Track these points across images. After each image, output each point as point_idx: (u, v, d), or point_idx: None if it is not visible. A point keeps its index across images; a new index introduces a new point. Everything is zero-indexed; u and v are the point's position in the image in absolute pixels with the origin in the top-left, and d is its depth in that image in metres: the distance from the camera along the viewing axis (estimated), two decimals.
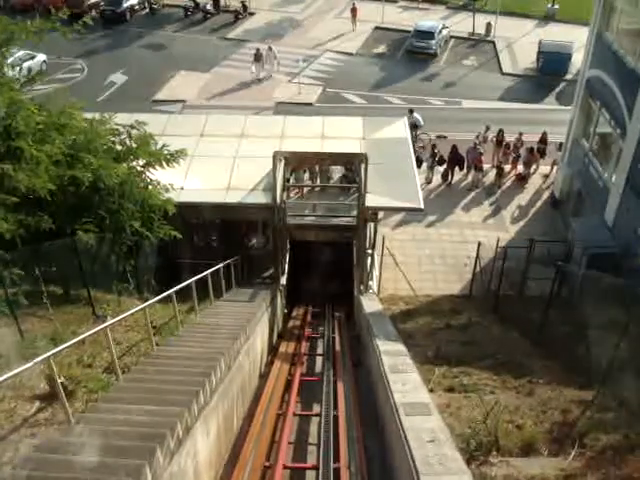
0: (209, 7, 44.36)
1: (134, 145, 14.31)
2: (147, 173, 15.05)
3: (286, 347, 16.54)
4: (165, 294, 11.88)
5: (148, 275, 16.61)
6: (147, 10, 45.04)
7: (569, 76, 35.94)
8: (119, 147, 14.16)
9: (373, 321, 13.65)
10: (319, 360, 15.86)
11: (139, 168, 14.73)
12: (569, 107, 28.47)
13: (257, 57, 35.47)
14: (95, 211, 13.37)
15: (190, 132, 20.89)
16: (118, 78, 35.27)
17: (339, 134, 21.43)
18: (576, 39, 37.24)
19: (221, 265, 16.19)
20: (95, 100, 30.76)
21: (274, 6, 46.66)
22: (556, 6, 44.59)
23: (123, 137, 14.16)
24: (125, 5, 43.31)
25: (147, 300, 11.72)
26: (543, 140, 27.13)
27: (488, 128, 27.80)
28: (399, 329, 14.19)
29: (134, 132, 14.56)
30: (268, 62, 35.62)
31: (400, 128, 21.75)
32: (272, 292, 17.91)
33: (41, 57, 34.70)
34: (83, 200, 13.15)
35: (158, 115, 23.82)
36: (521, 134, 27.19)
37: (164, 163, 15.10)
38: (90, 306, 12.89)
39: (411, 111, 28.34)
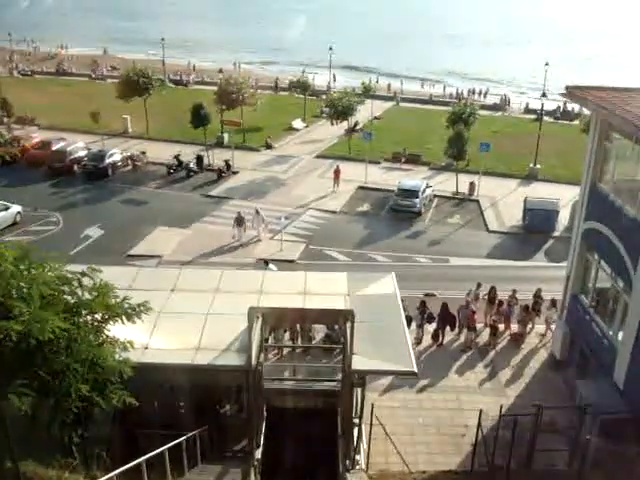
0: (192, 165, 44.53)
1: (87, 296, 12.44)
2: (105, 329, 13.07)
3: None
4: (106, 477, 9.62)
5: (100, 447, 14.25)
6: (130, 167, 45.07)
7: (556, 233, 35.53)
8: (69, 298, 12.30)
9: None
10: None
11: (94, 323, 12.76)
12: (560, 264, 27.69)
13: (238, 221, 33.88)
14: (35, 371, 11.27)
15: (161, 287, 19.18)
16: (94, 232, 34.30)
17: (322, 290, 19.78)
18: (560, 197, 37.39)
19: (184, 438, 13.91)
20: (68, 253, 29.44)
21: (258, 165, 47.07)
22: (538, 166, 45.35)
23: (74, 287, 12.33)
24: (108, 161, 43.51)
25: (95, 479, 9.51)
26: (538, 297, 25.71)
27: (479, 285, 26.49)
28: None
29: (89, 282, 12.76)
30: (255, 226, 34.34)
31: (388, 284, 20.19)
32: (244, 470, 15.44)
33: (16, 208, 34.58)
34: (20, 358, 11.10)
35: (128, 268, 22.31)
36: (514, 291, 25.88)
37: (124, 318, 13.15)
38: None
39: (266, 262, 28.00)
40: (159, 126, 53.83)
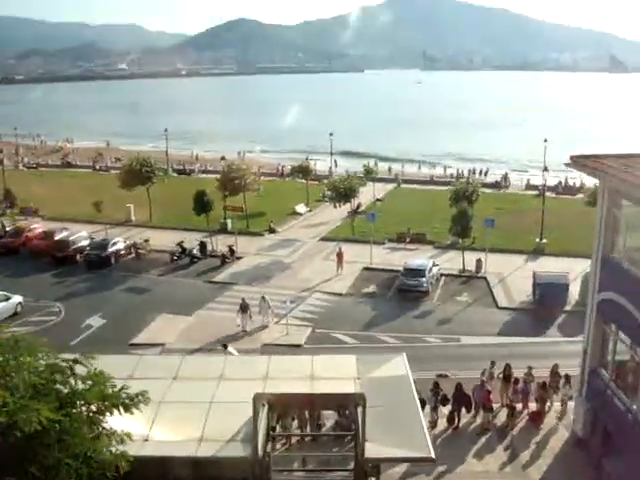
0: (196, 252, 44.26)
1: (81, 386, 11.71)
2: (101, 420, 12.27)
3: None
4: None
5: None
6: (133, 255, 44.84)
7: (568, 307, 34.81)
8: (61, 387, 11.58)
9: None
10: None
11: (89, 414, 11.98)
12: (574, 338, 26.91)
13: (243, 308, 32.54)
14: (25, 467, 10.48)
15: (162, 375, 18.41)
16: (95, 321, 33.70)
17: (330, 374, 18.97)
18: (569, 270, 36.80)
19: None
20: (68, 344, 28.82)
21: (262, 250, 46.80)
22: (544, 240, 45.01)
23: (67, 375, 11.63)
24: (110, 250, 43.36)
25: None
26: (555, 373, 24.70)
27: (494, 364, 25.51)
28: None
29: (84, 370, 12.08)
30: (262, 313, 33.23)
31: (399, 365, 19.37)
32: None
33: (17, 299, 34.37)
34: (8, 452, 10.33)
35: (129, 357, 21.54)
36: (530, 368, 24.92)
37: (121, 409, 12.38)
38: None
39: (225, 346, 27.16)
40: (162, 214, 54.08)
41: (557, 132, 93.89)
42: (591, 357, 21.66)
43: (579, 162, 20.26)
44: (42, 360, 11.40)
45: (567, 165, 21.03)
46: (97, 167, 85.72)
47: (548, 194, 61.77)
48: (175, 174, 79.44)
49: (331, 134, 73.64)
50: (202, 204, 46.18)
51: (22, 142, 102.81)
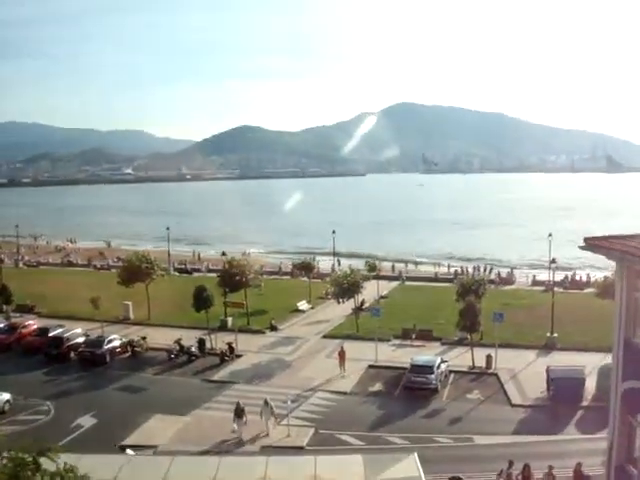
0: (194, 349, 42.67)
1: None
2: None
3: None
4: None
5: None
6: (129, 353, 43.26)
7: (585, 402, 32.95)
8: None
9: None
10: None
11: None
12: (594, 435, 25.28)
13: (238, 413, 29.99)
14: None
15: (150, 477, 16.82)
16: (86, 421, 31.87)
17: (335, 476, 17.34)
18: (584, 364, 35.14)
19: None
20: (56, 445, 26.81)
21: (263, 348, 45.19)
22: (555, 334, 43.47)
23: (31, 470, 10.19)
24: (106, 347, 41.96)
25: None
26: (579, 472, 22.71)
27: (511, 464, 23.52)
28: None
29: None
30: (263, 418, 30.59)
31: (411, 466, 17.73)
32: None
33: (4, 396, 33.22)
34: None
35: (115, 456, 19.82)
36: (551, 468, 22.95)
37: None
38: None
39: (123, 448, 25.60)
40: (162, 312, 52.83)
41: (560, 231, 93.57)
42: (617, 453, 19.83)
43: (594, 244, 19.21)
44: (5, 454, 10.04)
45: (582, 248, 19.96)
46: (98, 266, 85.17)
47: (555, 289, 60.77)
48: (177, 273, 78.79)
49: (334, 232, 73.42)
50: (202, 300, 44.89)
51: (24, 242, 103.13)
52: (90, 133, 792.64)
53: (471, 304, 39.34)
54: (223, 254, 51.16)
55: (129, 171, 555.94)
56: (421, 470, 17.58)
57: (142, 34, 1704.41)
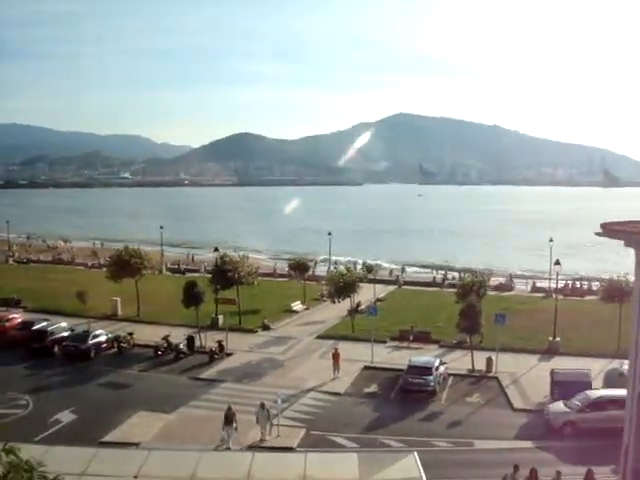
0: (182, 346, 41.01)
1: None
2: None
3: None
4: None
5: None
6: (115, 349, 41.56)
7: None
8: None
9: None
10: None
11: None
12: (603, 441, 23.79)
13: (227, 419, 27.37)
14: None
15: (121, 472, 15.18)
16: (65, 417, 30.20)
17: (327, 476, 15.72)
18: (589, 369, 33.56)
19: None
20: (31, 440, 25.18)
21: (254, 347, 43.54)
22: (557, 339, 41.93)
23: None
24: (91, 342, 40.23)
25: None
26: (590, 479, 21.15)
27: (517, 468, 21.91)
28: None
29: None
30: (259, 423, 28.36)
31: (410, 467, 16.13)
32: None
33: None
34: None
35: (83, 449, 18.08)
36: (559, 473, 21.36)
37: None
38: None
39: None
40: (152, 309, 51.08)
41: (558, 244, 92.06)
42: (633, 455, 18.26)
43: (612, 229, 17.71)
44: None
45: (598, 235, 18.49)
46: (89, 264, 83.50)
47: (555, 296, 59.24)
48: (169, 273, 77.19)
49: (329, 233, 71.81)
50: (192, 296, 43.10)
51: (17, 241, 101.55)
52: (89, 137, 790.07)
53: (472, 304, 37.76)
54: (215, 250, 49.23)
55: (127, 175, 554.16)
56: (422, 470, 15.99)
57: (143, 38, 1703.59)
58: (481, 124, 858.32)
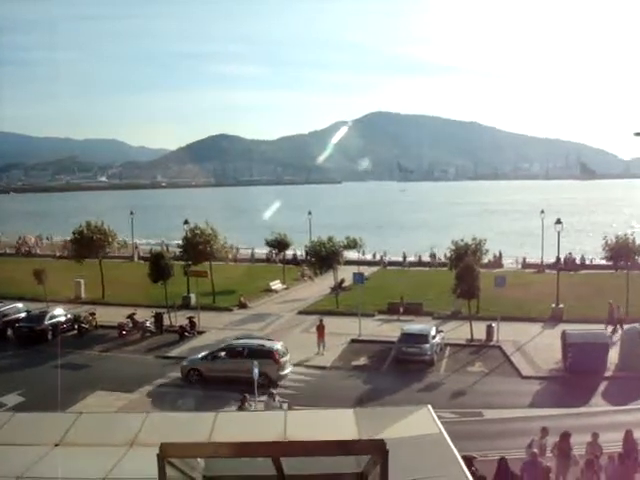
0: (149, 324, 37.01)
1: None
2: None
3: None
4: None
5: None
6: (76, 331, 37.46)
7: (609, 373, 27.96)
8: None
9: None
10: None
11: None
12: (628, 406, 20.52)
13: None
14: None
15: (41, 440, 11.25)
16: (10, 400, 26.56)
17: (315, 436, 11.77)
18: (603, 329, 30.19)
19: None
20: None
21: (229, 324, 39.72)
22: (561, 305, 38.50)
23: None
24: (47, 323, 36.11)
25: None
26: (632, 443, 17.36)
27: (546, 432, 18.19)
28: None
29: None
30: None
31: (426, 421, 12.34)
32: None
33: None
34: None
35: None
36: (596, 436, 17.67)
37: None
38: None
39: None
40: (118, 291, 46.99)
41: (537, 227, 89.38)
42: None
43: None
44: None
45: (637, 134, 14.99)
46: (57, 254, 78.97)
47: (548, 271, 56.06)
48: (142, 261, 73.01)
49: (310, 212, 67.72)
50: (159, 269, 39.10)
51: None
52: (65, 142, 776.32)
53: (469, 265, 34.18)
54: (185, 222, 45.08)
55: (103, 179, 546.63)
56: (440, 425, 12.25)
57: (116, 42, 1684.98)
58: (459, 121, 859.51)
